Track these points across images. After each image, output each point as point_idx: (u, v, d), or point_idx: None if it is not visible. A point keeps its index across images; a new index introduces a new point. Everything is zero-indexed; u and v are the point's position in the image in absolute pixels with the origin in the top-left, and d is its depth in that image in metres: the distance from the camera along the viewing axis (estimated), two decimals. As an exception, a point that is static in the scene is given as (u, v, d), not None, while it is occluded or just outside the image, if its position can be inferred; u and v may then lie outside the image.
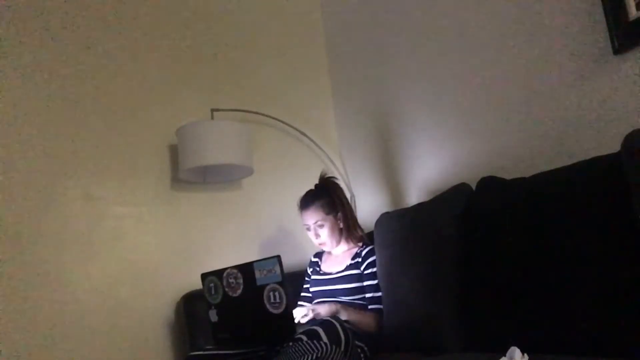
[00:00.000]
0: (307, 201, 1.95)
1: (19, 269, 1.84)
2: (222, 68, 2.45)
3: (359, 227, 1.99)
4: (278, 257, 1.46)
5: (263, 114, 2.38)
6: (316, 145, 2.50)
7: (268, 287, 1.46)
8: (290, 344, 1.36)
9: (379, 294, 1.77)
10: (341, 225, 1.95)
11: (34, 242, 1.89)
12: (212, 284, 1.62)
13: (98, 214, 2.03)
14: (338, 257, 1.98)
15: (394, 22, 2.33)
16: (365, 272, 1.83)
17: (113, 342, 1.95)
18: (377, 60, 2.44)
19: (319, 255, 2.09)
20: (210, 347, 1.60)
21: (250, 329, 1.55)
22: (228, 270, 1.58)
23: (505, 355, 0.98)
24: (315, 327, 1.42)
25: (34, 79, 2.00)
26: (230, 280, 1.57)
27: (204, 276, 1.65)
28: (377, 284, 1.79)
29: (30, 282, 1.85)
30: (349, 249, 1.97)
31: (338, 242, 1.97)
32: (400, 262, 1.68)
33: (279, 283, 1.44)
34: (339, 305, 1.76)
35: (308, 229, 1.97)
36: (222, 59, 2.46)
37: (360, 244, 1.94)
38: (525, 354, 0.98)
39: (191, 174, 2.16)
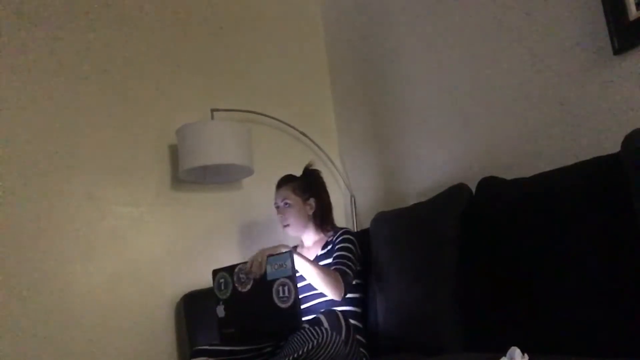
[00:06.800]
0: (281, 181, 1.96)
1: (20, 269, 1.85)
2: (222, 68, 2.45)
3: (333, 220, 1.96)
4: (290, 252, 1.50)
5: (263, 114, 2.38)
6: (316, 145, 2.49)
7: (278, 282, 1.49)
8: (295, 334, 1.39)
9: (348, 262, 1.72)
10: (310, 212, 1.91)
11: (35, 242, 1.89)
12: (222, 280, 1.63)
13: (98, 214, 2.03)
14: (309, 249, 1.94)
15: (394, 22, 2.32)
16: (334, 248, 1.79)
17: (113, 342, 1.95)
18: (377, 60, 2.44)
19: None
20: (216, 343, 1.60)
21: (256, 324, 1.56)
22: (240, 266, 1.60)
23: (505, 355, 0.98)
24: (318, 315, 1.45)
25: (35, 79, 2.00)
26: (241, 276, 1.58)
27: (215, 272, 1.66)
28: (345, 255, 1.74)
29: (30, 282, 1.86)
30: (319, 240, 1.93)
31: (304, 228, 1.92)
32: (399, 262, 1.68)
33: (289, 277, 1.46)
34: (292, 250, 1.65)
35: (277, 208, 1.95)
36: (222, 59, 2.46)
37: (330, 233, 1.90)
38: (525, 354, 0.98)
39: (191, 174, 2.16)
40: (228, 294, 1.61)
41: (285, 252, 1.52)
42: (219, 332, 1.62)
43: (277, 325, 1.50)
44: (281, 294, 1.47)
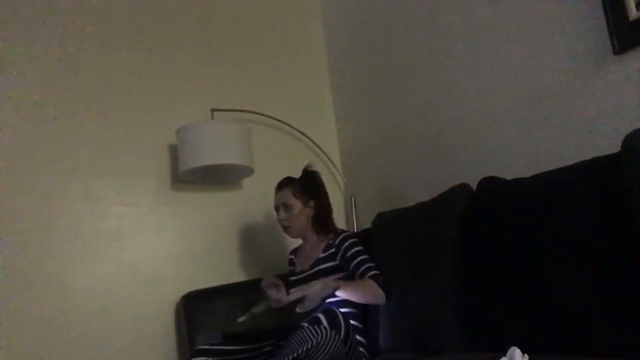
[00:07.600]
0: (281, 183, 1.95)
1: (20, 269, 1.85)
2: (222, 68, 2.45)
3: (333, 222, 1.94)
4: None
5: (263, 114, 2.38)
6: (316, 145, 2.50)
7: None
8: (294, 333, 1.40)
9: (372, 264, 1.72)
10: (311, 214, 1.90)
11: (35, 242, 1.89)
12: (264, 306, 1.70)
13: (99, 214, 2.03)
14: (310, 252, 1.91)
15: (394, 21, 2.32)
16: (346, 256, 1.76)
17: (113, 342, 1.95)
18: (377, 60, 2.44)
19: (294, 252, 2.05)
20: (216, 343, 1.61)
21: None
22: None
23: (505, 355, 0.98)
24: (317, 314, 1.45)
25: (35, 79, 2.00)
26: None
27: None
28: (366, 258, 1.73)
29: (30, 282, 1.85)
30: (320, 242, 1.90)
31: (304, 231, 1.92)
32: (400, 262, 1.68)
33: (322, 298, 1.57)
34: (335, 282, 1.67)
35: (277, 211, 1.94)
36: (221, 59, 2.46)
37: (331, 236, 1.86)
38: (525, 354, 0.98)
39: (191, 174, 2.15)
40: (260, 310, 1.66)
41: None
42: (223, 331, 1.64)
43: (278, 321, 1.53)
44: (305, 305, 1.55)
